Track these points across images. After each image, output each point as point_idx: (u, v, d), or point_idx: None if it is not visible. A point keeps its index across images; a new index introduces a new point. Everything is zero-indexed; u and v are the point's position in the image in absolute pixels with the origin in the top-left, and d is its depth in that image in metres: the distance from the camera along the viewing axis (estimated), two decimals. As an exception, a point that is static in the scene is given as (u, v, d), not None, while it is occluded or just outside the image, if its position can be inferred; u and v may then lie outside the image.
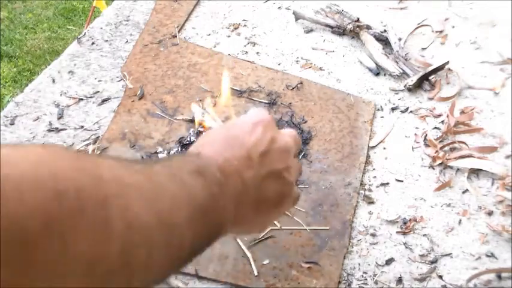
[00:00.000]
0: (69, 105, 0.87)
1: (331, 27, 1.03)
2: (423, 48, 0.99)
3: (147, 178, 0.36)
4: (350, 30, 1.01)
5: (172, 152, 0.77)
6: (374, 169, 0.78)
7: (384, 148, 0.81)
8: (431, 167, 0.78)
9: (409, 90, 0.90)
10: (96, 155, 0.37)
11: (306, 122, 0.84)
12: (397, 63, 0.94)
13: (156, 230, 0.34)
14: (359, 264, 0.66)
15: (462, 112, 0.86)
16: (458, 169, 0.77)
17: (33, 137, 0.81)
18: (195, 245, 0.40)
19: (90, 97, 0.89)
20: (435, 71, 0.91)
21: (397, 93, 0.90)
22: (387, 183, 0.76)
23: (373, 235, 0.69)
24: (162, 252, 0.35)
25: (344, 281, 0.64)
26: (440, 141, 0.81)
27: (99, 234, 0.29)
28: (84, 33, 1.02)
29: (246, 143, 0.47)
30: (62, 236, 0.27)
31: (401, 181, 0.76)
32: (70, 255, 0.27)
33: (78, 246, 0.27)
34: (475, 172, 0.77)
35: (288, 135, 0.51)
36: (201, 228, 0.40)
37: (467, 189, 0.74)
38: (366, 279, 0.64)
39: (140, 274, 0.33)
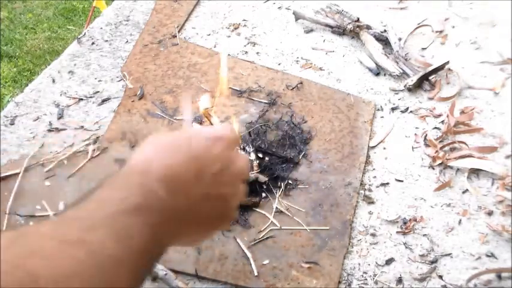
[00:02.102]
0: (69, 105, 0.87)
1: (331, 27, 1.03)
2: (423, 48, 0.99)
3: (84, 252, 0.35)
4: (350, 30, 1.01)
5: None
6: (374, 169, 0.78)
7: (384, 148, 0.81)
8: (431, 167, 0.78)
9: (409, 90, 0.90)
10: (27, 231, 0.38)
11: (306, 122, 0.84)
12: (397, 63, 0.94)
13: None
14: (359, 264, 0.66)
15: (462, 112, 0.86)
16: (458, 169, 0.77)
17: (33, 137, 0.81)
18: (144, 276, 0.41)
19: (90, 97, 0.89)
20: (435, 71, 0.91)
21: (397, 93, 0.90)
22: (387, 183, 0.76)
23: (373, 235, 0.69)
24: None
25: (344, 281, 0.64)
26: (440, 141, 0.81)
27: None
28: (84, 33, 1.02)
29: (201, 157, 0.44)
30: None
31: (401, 181, 0.76)
32: None
33: None
34: (475, 172, 0.77)
35: (242, 160, 0.49)
36: (145, 264, 0.41)
37: (467, 189, 0.74)
38: (366, 279, 0.64)
39: None
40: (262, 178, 0.72)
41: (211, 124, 0.76)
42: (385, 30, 1.01)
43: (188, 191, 0.43)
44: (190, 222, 0.46)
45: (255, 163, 0.74)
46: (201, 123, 0.79)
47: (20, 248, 0.33)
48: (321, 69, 0.96)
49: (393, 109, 0.87)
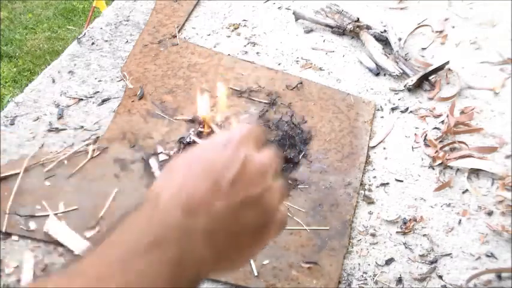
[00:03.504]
0: (69, 105, 0.87)
1: (331, 27, 1.03)
2: (423, 48, 0.99)
3: None
4: (350, 30, 1.01)
5: (172, 153, 0.77)
6: (374, 169, 0.78)
7: (384, 148, 0.81)
8: (431, 167, 0.78)
9: (409, 90, 0.90)
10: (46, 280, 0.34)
11: (306, 122, 0.84)
12: (397, 63, 0.94)
13: None
14: (359, 264, 0.66)
15: (462, 112, 0.86)
16: (458, 169, 0.77)
17: (33, 137, 0.81)
18: None
19: (90, 97, 0.89)
20: (435, 71, 0.91)
21: (397, 93, 0.90)
22: (387, 183, 0.76)
23: (373, 235, 0.69)
24: None
25: (344, 281, 0.64)
26: (440, 141, 0.81)
27: None
28: (84, 33, 1.02)
29: (213, 169, 0.40)
30: None
31: (401, 181, 0.76)
32: None
33: None
34: (475, 172, 0.77)
35: (264, 154, 0.43)
36: None
37: (467, 189, 0.74)
38: (366, 279, 0.64)
39: None
40: (262, 178, 0.72)
41: (211, 129, 0.76)
42: (385, 30, 1.01)
43: (209, 208, 0.38)
44: (227, 242, 0.40)
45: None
46: (201, 126, 0.79)
47: None
48: (321, 69, 0.96)
49: (393, 109, 0.87)
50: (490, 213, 0.71)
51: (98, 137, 0.81)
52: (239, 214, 0.39)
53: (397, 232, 0.69)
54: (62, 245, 0.66)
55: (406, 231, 0.69)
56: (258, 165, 0.41)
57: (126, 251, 0.35)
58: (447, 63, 0.92)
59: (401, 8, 1.09)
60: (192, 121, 0.83)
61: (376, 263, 0.66)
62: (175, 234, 0.37)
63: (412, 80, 0.90)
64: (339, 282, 0.64)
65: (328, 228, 0.69)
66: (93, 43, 1.00)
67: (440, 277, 0.64)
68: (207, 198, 0.38)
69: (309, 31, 1.04)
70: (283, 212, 0.45)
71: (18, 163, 0.76)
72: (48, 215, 0.69)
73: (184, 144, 0.76)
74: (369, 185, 0.76)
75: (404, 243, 0.68)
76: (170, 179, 0.40)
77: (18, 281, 0.63)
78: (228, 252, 0.40)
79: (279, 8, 1.10)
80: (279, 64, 0.96)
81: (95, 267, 0.34)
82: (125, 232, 0.37)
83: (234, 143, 0.41)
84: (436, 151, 0.79)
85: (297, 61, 0.97)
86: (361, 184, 0.75)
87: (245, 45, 1.00)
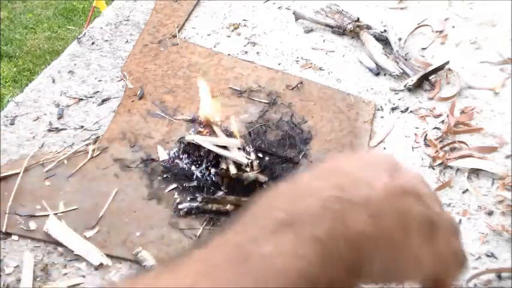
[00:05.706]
0: (69, 105, 0.87)
1: (331, 27, 1.03)
2: (423, 48, 0.99)
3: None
4: (350, 30, 1.01)
5: (172, 153, 0.77)
6: (374, 169, 0.78)
7: (384, 148, 0.81)
8: (431, 167, 0.78)
9: (409, 90, 0.90)
10: None
11: (306, 122, 0.84)
12: (397, 63, 0.94)
13: None
14: (359, 264, 0.66)
15: (462, 112, 0.86)
16: (458, 169, 0.77)
17: (33, 137, 0.81)
18: None
19: (90, 97, 0.89)
20: (435, 71, 0.91)
21: (397, 93, 0.90)
22: (387, 183, 0.76)
23: (373, 235, 0.69)
24: None
25: (344, 281, 0.64)
26: (440, 141, 0.81)
27: None
28: (84, 33, 1.02)
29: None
30: None
31: (402, 181, 0.76)
32: None
33: None
34: (475, 172, 0.77)
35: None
36: None
37: (467, 189, 0.74)
38: (366, 279, 0.64)
39: None
40: (262, 178, 0.72)
41: (214, 132, 0.76)
42: (385, 30, 1.01)
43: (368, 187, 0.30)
44: (391, 233, 0.29)
45: (255, 163, 0.73)
46: (201, 125, 0.79)
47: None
48: (321, 69, 0.95)
49: (393, 109, 0.87)
50: (490, 213, 0.71)
51: (98, 137, 0.81)
52: (399, 200, 0.30)
53: (397, 232, 0.69)
54: (62, 245, 0.66)
55: (406, 231, 0.69)
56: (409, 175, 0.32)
57: (245, 237, 0.26)
58: (447, 63, 0.92)
59: (401, 8, 1.09)
60: (192, 121, 0.83)
61: (376, 263, 0.66)
62: (319, 212, 0.27)
63: (412, 80, 0.90)
64: (339, 282, 0.63)
65: (328, 228, 0.69)
66: (93, 43, 1.00)
67: (440, 277, 0.64)
68: (366, 182, 0.29)
69: (309, 31, 1.04)
70: (449, 215, 0.35)
71: (18, 163, 0.76)
72: (48, 215, 0.69)
73: (185, 144, 0.76)
74: (369, 185, 0.76)
75: (405, 243, 0.68)
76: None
77: (18, 280, 0.63)
78: (389, 246, 0.29)
79: (279, 8, 1.10)
80: (279, 64, 0.96)
81: (200, 259, 0.25)
82: (246, 220, 0.27)
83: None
84: (436, 151, 0.79)
85: (297, 61, 0.97)
86: (361, 184, 0.75)
87: (245, 45, 1.00)
